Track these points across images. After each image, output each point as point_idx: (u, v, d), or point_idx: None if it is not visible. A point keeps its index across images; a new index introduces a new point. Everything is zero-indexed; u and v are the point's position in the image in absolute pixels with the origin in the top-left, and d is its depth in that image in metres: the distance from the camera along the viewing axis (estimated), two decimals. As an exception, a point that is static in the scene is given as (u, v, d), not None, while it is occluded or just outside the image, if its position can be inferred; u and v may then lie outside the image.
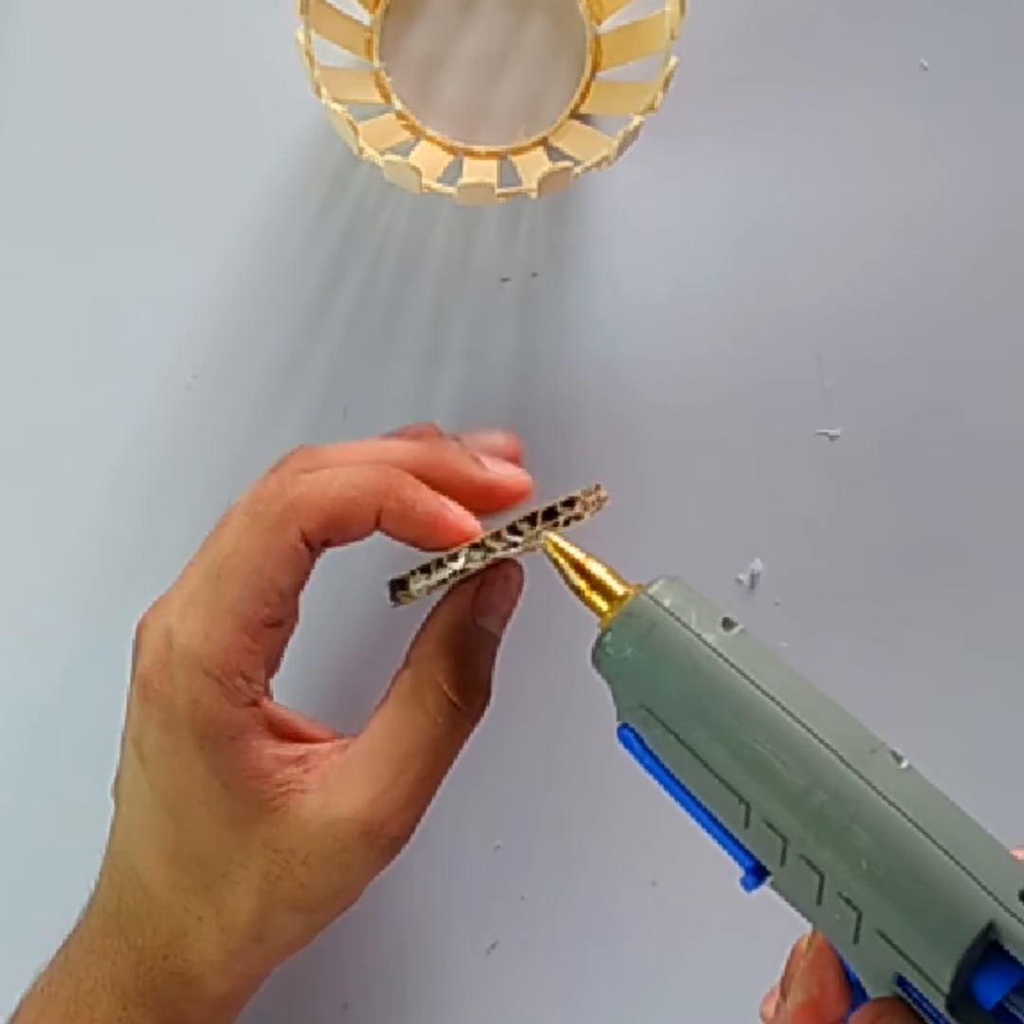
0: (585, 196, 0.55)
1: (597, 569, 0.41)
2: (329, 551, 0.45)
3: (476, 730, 0.45)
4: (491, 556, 0.42)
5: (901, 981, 0.35)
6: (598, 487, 0.44)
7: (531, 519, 0.42)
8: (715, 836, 0.38)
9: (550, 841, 0.55)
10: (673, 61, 0.49)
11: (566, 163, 0.48)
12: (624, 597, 0.40)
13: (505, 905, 0.55)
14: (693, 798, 0.38)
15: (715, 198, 0.55)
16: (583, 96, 0.54)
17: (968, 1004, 0.34)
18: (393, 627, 0.46)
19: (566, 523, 0.42)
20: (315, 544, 0.43)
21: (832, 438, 0.55)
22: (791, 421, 0.55)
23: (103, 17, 0.55)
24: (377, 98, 0.54)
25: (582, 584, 0.41)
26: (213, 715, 0.42)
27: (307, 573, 0.43)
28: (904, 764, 0.36)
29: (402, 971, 0.55)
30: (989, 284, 0.56)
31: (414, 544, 0.44)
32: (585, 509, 0.43)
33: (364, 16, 0.54)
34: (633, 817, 0.55)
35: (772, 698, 0.37)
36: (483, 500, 0.45)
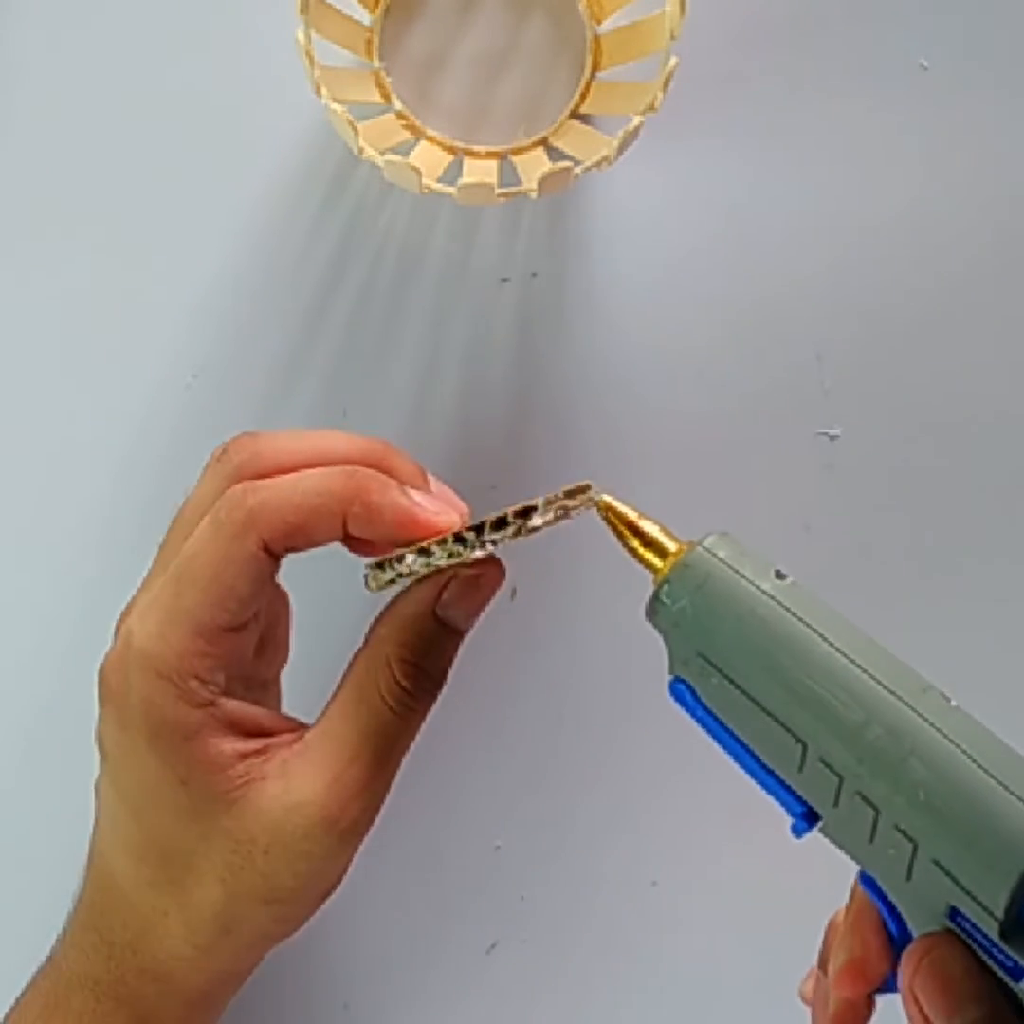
0: (585, 196, 0.55)
1: (650, 527, 0.42)
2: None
3: (476, 730, 0.45)
4: (434, 562, 0.41)
5: (953, 914, 0.36)
6: (579, 492, 0.42)
7: (479, 528, 0.41)
8: (765, 784, 0.39)
9: (550, 841, 0.55)
10: (673, 61, 0.49)
11: (566, 163, 0.48)
12: (677, 552, 0.41)
13: (505, 905, 0.55)
14: (745, 747, 0.39)
15: (715, 198, 0.55)
16: (583, 96, 0.54)
17: (1020, 932, 0.35)
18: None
19: (517, 533, 0.41)
20: (278, 551, 0.42)
21: (832, 438, 0.55)
22: (791, 421, 0.55)
23: (103, 17, 0.55)
24: (377, 98, 0.54)
25: (635, 542, 0.41)
26: (166, 716, 0.42)
27: (269, 579, 0.43)
28: (954, 703, 0.37)
29: (402, 971, 0.55)
30: (989, 284, 0.56)
31: (389, 543, 0.43)
32: (542, 517, 0.41)
33: (364, 16, 0.54)
34: (633, 817, 0.55)
35: (827, 640, 0.38)
36: (404, 532, 0.42)
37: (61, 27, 0.55)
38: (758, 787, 0.39)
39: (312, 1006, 0.54)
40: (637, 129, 0.49)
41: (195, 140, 0.55)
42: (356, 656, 0.44)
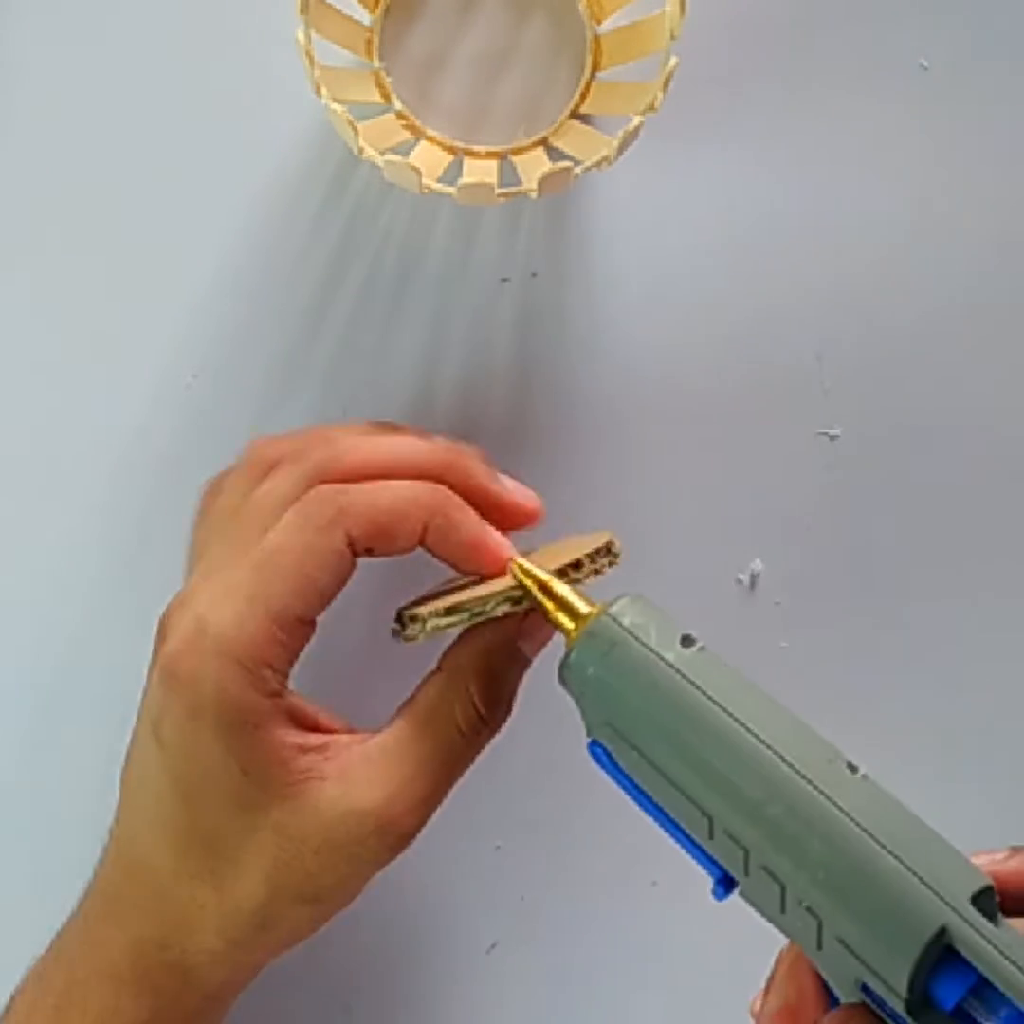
0: (585, 196, 0.55)
1: (562, 589, 0.42)
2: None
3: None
4: (471, 617, 0.43)
5: (864, 987, 0.36)
6: (608, 545, 0.44)
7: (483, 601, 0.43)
8: (684, 847, 0.39)
9: (550, 841, 0.55)
10: (673, 61, 0.49)
11: (566, 163, 0.48)
12: (587, 616, 0.40)
13: (505, 905, 0.55)
14: (661, 810, 0.39)
15: (715, 198, 0.55)
16: (583, 96, 0.54)
17: (928, 1007, 0.35)
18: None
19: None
20: (359, 550, 0.43)
21: (832, 438, 0.55)
22: (791, 421, 0.55)
23: (103, 17, 0.55)
24: (377, 98, 0.54)
25: (548, 604, 0.42)
26: (238, 702, 0.42)
27: (346, 578, 0.44)
28: (860, 773, 0.37)
29: (402, 972, 0.55)
30: (989, 284, 0.56)
31: (452, 565, 0.45)
32: (586, 575, 0.43)
33: (364, 16, 0.54)
34: (633, 817, 0.54)
35: (729, 713, 0.37)
36: (494, 516, 0.45)
37: (61, 27, 0.55)
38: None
39: (313, 1007, 0.54)
40: (637, 129, 0.49)
41: (195, 140, 0.55)
42: (430, 678, 0.45)
